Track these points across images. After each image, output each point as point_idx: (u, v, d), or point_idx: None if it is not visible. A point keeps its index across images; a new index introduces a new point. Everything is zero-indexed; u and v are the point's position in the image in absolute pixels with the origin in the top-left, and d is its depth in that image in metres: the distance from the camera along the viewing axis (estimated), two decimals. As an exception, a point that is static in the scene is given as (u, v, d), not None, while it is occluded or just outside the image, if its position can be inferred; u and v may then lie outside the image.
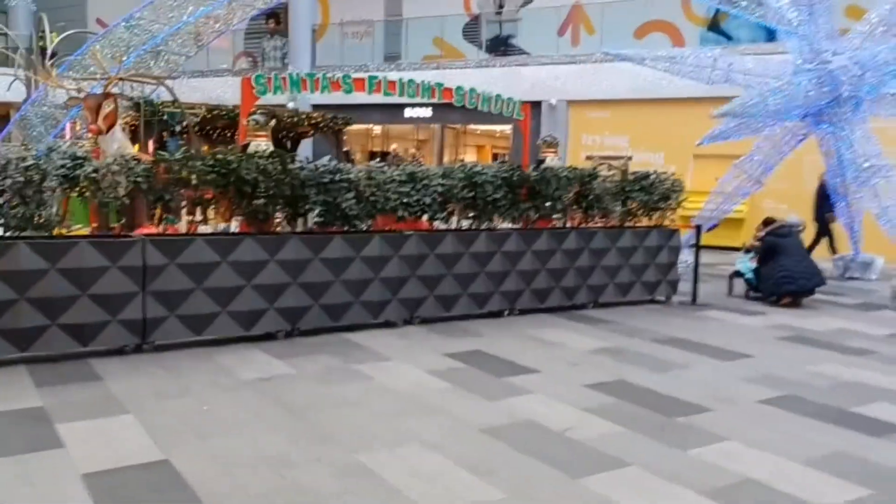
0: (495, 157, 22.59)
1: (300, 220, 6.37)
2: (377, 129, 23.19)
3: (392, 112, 18.90)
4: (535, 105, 17.22)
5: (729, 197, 11.12)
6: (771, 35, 13.70)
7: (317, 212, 6.21)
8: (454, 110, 19.51)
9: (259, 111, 9.35)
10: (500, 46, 20.19)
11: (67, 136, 13.92)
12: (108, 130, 8.74)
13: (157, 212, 6.40)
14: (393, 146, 21.21)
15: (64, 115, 14.14)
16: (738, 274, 9.70)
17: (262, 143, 7.21)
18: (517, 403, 4.79)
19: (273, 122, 10.01)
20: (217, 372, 5.24)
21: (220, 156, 5.78)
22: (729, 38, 17.96)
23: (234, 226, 6.33)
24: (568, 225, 8.18)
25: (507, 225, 7.67)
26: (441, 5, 20.56)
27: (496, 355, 6.04)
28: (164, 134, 11.75)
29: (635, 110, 16.46)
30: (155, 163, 5.80)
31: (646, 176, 8.53)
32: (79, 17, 21.93)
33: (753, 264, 9.46)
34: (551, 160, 9.35)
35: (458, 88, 9.43)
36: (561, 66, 17.34)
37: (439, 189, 6.85)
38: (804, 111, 10.20)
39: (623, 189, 8.38)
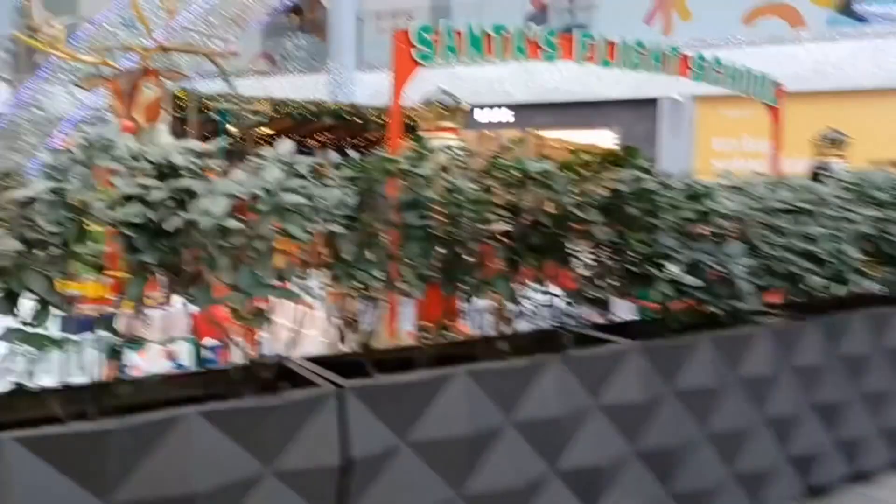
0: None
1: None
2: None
3: (459, 114, 15.50)
4: (648, 103, 14.00)
5: None
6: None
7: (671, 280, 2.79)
8: (542, 112, 16.28)
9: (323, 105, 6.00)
10: (577, 38, 16.92)
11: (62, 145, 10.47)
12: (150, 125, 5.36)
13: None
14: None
15: (59, 121, 10.66)
16: None
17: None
18: None
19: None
20: None
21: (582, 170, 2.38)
22: (862, 20, 14.92)
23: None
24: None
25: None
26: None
27: None
28: (207, 138, 8.31)
29: (790, 105, 13.17)
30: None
31: None
32: (69, 3, 18.38)
33: None
34: (838, 165, 6.06)
35: (699, 57, 6.09)
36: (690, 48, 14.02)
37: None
38: None
39: None
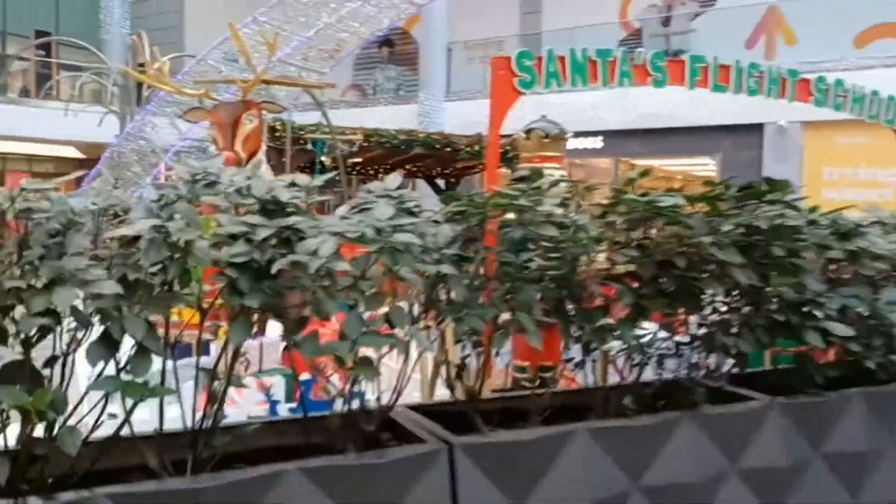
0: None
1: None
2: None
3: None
4: (752, 128, 13.33)
5: None
6: None
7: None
8: (634, 139, 15.81)
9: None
10: (673, 63, 16.41)
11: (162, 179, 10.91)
12: (249, 159, 5.35)
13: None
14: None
15: (164, 152, 11.08)
16: None
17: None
18: None
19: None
20: None
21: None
22: None
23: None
24: None
25: None
26: (586, 18, 17.02)
27: None
28: (303, 169, 8.39)
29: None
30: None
31: None
32: (176, 41, 19.38)
33: None
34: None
35: (820, 80, 5.63)
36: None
37: None
38: None
39: None
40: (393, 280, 1.88)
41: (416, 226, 1.91)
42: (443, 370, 2.29)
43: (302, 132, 7.85)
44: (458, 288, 1.95)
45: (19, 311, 1.59)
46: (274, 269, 1.64)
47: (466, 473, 1.99)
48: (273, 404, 3.86)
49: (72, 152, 21.40)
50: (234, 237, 1.75)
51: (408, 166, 9.17)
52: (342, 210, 2.00)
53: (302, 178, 1.91)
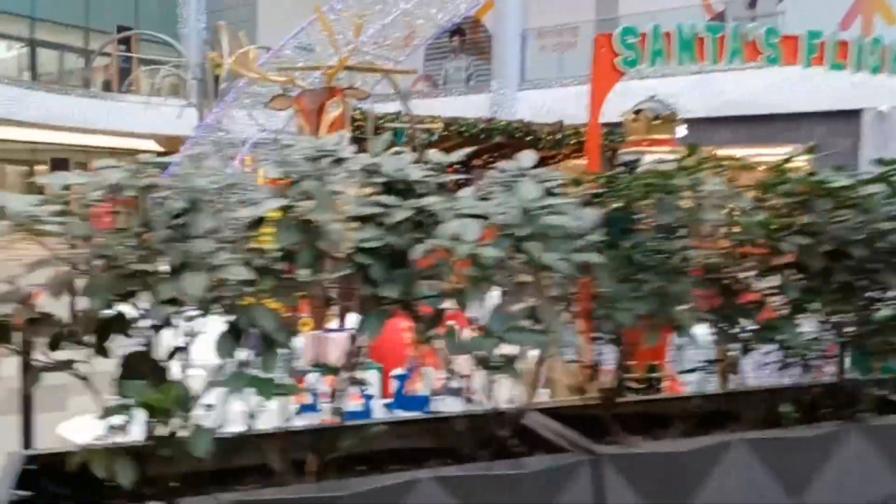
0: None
1: None
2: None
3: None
4: (849, 115, 12.57)
5: None
6: None
7: None
8: (720, 127, 15.12)
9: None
10: (760, 47, 15.62)
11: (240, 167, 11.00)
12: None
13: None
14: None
15: (242, 144, 11.19)
16: None
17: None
18: None
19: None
20: None
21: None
22: None
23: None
24: None
25: None
26: (665, 0, 16.34)
27: None
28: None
29: None
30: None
31: None
32: (249, 34, 19.64)
33: None
34: None
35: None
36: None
37: None
38: None
39: None
40: (535, 270, 1.67)
41: (559, 207, 1.69)
42: (574, 369, 2.07)
43: (381, 121, 7.73)
44: (607, 279, 1.73)
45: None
46: (418, 254, 1.45)
47: (614, 487, 1.77)
48: (367, 399, 3.72)
49: (151, 146, 22.03)
50: (363, 219, 1.57)
51: (485, 156, 8.93)
52: (469, 191, 1.80)
53: (436, 155, 1.72)
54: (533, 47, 17.89)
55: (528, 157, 1.87)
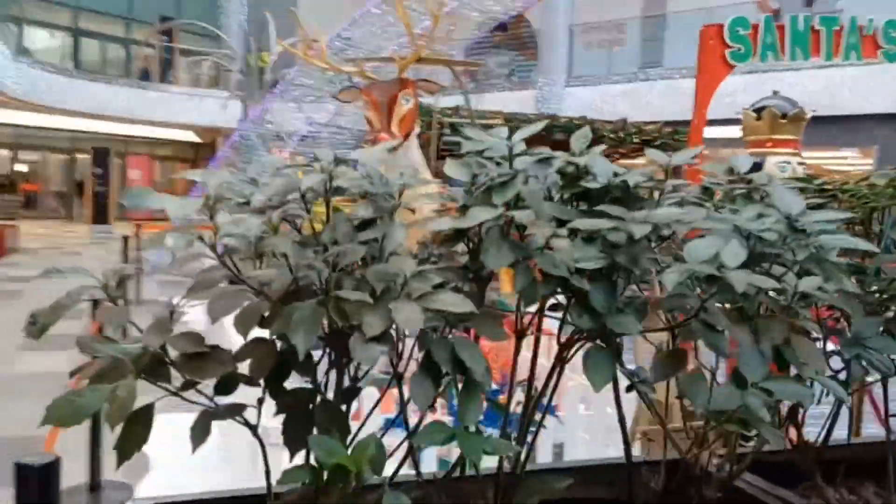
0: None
1: None
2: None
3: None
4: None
5: None
6: None
7: None
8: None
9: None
10: (820, 45, 15.07)
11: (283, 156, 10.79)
12: (405, 139, 5.02)
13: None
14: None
15: (289, 137, 10.99)
16: None
17: None
18: None
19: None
20: None
21: None
22: None
23: None
24: None
25: None
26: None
27: None
28: (444, 155, 7.99)
29: None
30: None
31: None
32: (291, 25, 19.55)
33: None
34: None
35: None
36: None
37: None
38: None
39: None
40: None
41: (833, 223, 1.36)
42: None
43: (445, 116, 7.45)
44: (859, 313, 1.41)
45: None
46: (668, 280, 1.15)
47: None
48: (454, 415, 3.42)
49: (190, 136, 21.98)
50: (586, 238, 1.27)
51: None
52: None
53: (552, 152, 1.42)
54: (578, 43, 17.52)
55: (744, 158, 1.56)
